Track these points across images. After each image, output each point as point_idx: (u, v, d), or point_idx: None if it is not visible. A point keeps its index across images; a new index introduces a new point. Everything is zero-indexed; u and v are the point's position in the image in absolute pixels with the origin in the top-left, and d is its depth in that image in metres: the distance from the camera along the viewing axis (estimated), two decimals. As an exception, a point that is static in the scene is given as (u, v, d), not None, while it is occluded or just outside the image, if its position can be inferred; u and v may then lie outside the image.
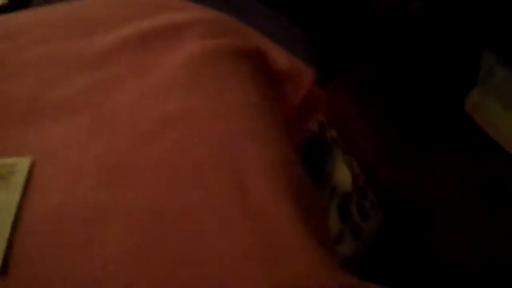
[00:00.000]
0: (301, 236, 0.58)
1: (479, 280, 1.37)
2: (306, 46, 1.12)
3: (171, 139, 0.65)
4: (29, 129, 0.67)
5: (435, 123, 1.73)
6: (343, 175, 1.04)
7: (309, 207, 0.66)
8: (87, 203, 0.57)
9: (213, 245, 0.54)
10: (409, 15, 1.86)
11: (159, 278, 0.51)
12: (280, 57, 0.91)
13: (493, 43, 1.58)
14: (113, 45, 0.79)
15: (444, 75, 1.79)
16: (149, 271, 0.51)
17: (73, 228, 0.55)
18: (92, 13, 0.91)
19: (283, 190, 0.62)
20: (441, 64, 1.80)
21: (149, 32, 0.81)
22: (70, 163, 0.62)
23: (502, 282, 1.36)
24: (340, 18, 1.70)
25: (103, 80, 0.74)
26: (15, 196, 0.58)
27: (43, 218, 0.56)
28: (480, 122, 1.66)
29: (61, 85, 0.74)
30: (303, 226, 0.59)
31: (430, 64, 1.83)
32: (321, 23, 1.61)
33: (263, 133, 0.71)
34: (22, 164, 0.62)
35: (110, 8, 0.91)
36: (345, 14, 1.72)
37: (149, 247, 0.53)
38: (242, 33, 0.91)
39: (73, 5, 0.94)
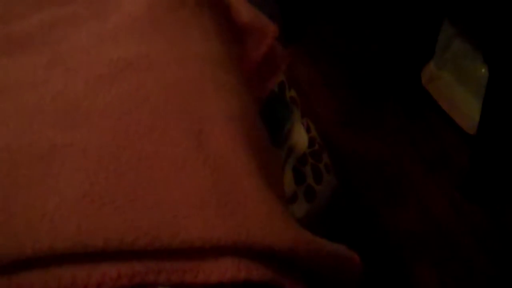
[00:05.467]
0: (258, 187, 0.58)
1: (422, 245, 1.40)
2: (270, 2, 1.10)
3: (129, 84, 0.63)
4: None
5: (392, 91, 1.75)
6: (299, 136, 1.03)
7: (266, 161, 0.66)
8: (42, 142, 0.55)
9: (169, 191, 0.53)
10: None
11: (111, 221, 0.50)
12: (244, 9, 0.90)
13: (453, 15, 1.59)
14: None
15: (405, 45, 1.80)
16: (101, 213, 0.50)
17: (27, 166, 0.53)
18: None
19: (242, 140, 0.62)
20: (402, 33, 1.81)
21: None
22: (25, 101, 0.60)
23: (445, 248, 1.40)
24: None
25: (63, 18, 0.72)
26: None
27: None
28: (434, 94, 1.67)
29: (19, 20, 0.71)
30: (261, 179, 0.59)
31: (391, 33, 1.84)
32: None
33: (224, 83, 0.70)
34: None
35: None
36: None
37: (103, 189, 0.52)
38: None
39: None
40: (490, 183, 1.51)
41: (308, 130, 1.10)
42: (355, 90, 1.76)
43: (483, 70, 1.50)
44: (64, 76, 0.63)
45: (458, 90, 1.62)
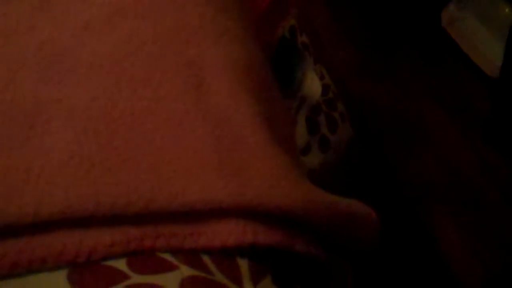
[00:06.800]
0: (265, 144, 0.53)
1: (441, 195, 1.37)
2: None
3: (121, 31, 0.57)
4: None
5: (410, 34, 1.68)
6: (313, 84, 0.98)
7: (275, 114, 0.61)
8: (26, 98, 0.51)
9: (165, 150, 0.49)
10: None
11: (102, 184, 0.46)
12: None
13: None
14: None
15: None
16: (91, 175, 0.46)
17: (9, 125, 0.49)
18: None
19: (246, 93, 0.57)
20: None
21: None
22: (7, 52, 0.55)
23: (465, 198, 1.36)
24: None
25: None
26: None
27: None
28: (455, 37, 1.62)
29: None
30: (267, 134, 0.54)
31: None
32: None
33: (227, 29, 0.64)
34: None
35: None
36: None
37: (92, 149, 0.47)
38: None
39: None
40: (512, 128, 1.46)
41: (321, 77, 1.05)
42: (371, 33, 1.69)
43: (506, 10, 1.44)
44: (50, 24, 0.57)
45: (480, 31, 1.56)
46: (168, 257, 0.46)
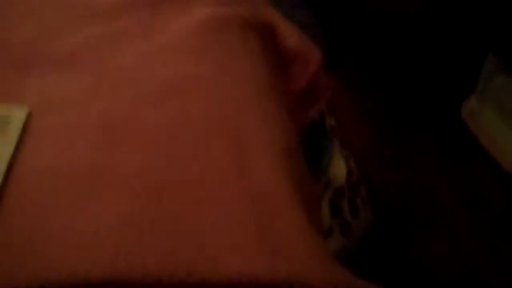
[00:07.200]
0: (300, 223, 0.56)
1: (452, 283, 1.36)
2: (316, 30, 1.08)
3: (174, 106, 0.62)
4: (28, 78, 0.65)
5: (430, 124, 1.71)
6: (338, 168, 1.00)
7: (307, 195, 0.64)
8: (84, 163, 0.55)
9: (211, 221, 0.52)
10: (412, 14, 1.84)
11: (150, 252, 0.48)
12: (290, 35, 0.89)
13: (498, 49, 1.55)
14: (123, 1, 0.76)
15: (445, 78, 1.76)
16: (140, 242, 0.49)
17: (68, 187, 0.52)
18: None
19: (284, 172, 0.60)
20: (442, 66, 1.78)
21: None
22: (69, 119, 0.59)
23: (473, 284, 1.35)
24: (343, 11, 1.67)
25: (110, 35, 0.71)
26: (9, 146, 0.56)
27: (38, 172, 0.54)
28: (474, 130, 1.63)
29: (66, 36, 0.71)
30: (302, 213, 0.57)
31: (432, 64, 1.81)
32: (325, 12, 1.57)
33: (268, 111, 0.68)
34: (18, 113, 0.59)
35: None
36: (349, 8, 1.69)
37: (144, 214, 0.51)
38: (254, 4, 0.88)
39: None
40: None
41: (347, 162, 1.07)
42: (392, 120, 1.72)
43: (527, 108, 1.46)
44: (110, 95, 0.62)
45: (499, 127, 1.57)
46: None
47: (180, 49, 0.70)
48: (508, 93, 1.53)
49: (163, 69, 0.66)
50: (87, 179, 0.53)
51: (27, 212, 0.50)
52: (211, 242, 0.50)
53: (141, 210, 0.51)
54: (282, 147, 0.64)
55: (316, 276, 0.51)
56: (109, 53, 0.68)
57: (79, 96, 0.62)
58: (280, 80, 0.80)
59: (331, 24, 1.53)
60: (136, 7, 0.77)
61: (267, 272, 0.49)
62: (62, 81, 0.64)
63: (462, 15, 1.72)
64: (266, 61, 0.78)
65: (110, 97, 0.62)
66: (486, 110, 1.60)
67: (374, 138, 1.66)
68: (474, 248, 1.43)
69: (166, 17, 0.76)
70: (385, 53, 1.88)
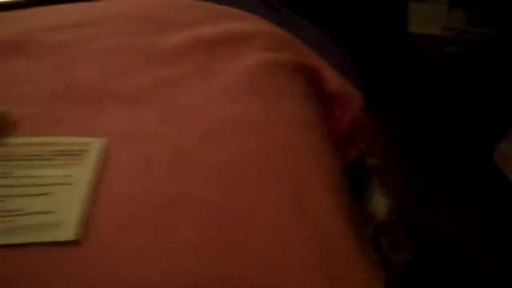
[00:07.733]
0: (355, 250, 0.58)
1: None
2: (355, 73, 1.13)
3: (234, 142, 0.66)
4: (99, 113, 0.69)
5: (461, 166, 1.72)
6: (379, 204, 1.03)
7: (358, 229, 0.67)
8: (159, 192, 0.58)
9: (272, 250, 0.54)
10: (447, 58, 1.87)
11: (221, 277, 0.51)
12: (333, 78, 0.93)
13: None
14: (181, 46, 0.82)
15: (478, 121, 1.78)
16: (211, 270, 0.51)
17: (145, 214, 0.55)
18: (160, 11, 0.93)
19: (337, 203, 0.63)
20: (476, 109, 1.80)
21: (215, 38, 0.84)
22: (143, 149, 0.63)
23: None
24: (378, 51, 1.71)
25: (170, 77, 0.76)
26: (88, 172, 0.59)
27: (117, 199, 0.57)
28: (507, 172, 1.65)
29: (128, 76, 0.76)
30: (355, 241, 0.60)
31: (465, 107, 1.83)
32: (359, 55, 1.62)
33: (319, 147, 0.72)
34: (95, 144, 0.63)
35: (178, 9, 0.94)
36: (384, 48, 1.73)
37: (213, 244, 0.53)
38: (300, 50, 0.94)
39: (139, 1, 0.98)
40: None
41: (387, 198, 1.10)
42: (424, 164, 1.74)
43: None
44: (178, 129, 0.66)
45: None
46: None
47: (236, 90, 0.75)
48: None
49: (222, 107, 0.71)
50: (163, 208, 0.56)
51: (110, 231, 0.53)
52: (273, 272, 0.52)
53: (212, 239, 0.53)
54: (333, 179, 0.67)
55: None
56: (172, 92, 0.73)
57: (151, 129, 0.66)
58: (324, 120, 0.84)
59: (370, 68, 1.57)
60: (193, 51, 0.82)
61: None
62: (133, 116, 0.68)
63: (495, 60, 1.76)
64: (312, 101, 0.83)
65: (179, 131, 0.66)
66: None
67: (405, 178, 1.68)
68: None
69: (221, 60, 0.81)
70: (420, 95, 1.90)
